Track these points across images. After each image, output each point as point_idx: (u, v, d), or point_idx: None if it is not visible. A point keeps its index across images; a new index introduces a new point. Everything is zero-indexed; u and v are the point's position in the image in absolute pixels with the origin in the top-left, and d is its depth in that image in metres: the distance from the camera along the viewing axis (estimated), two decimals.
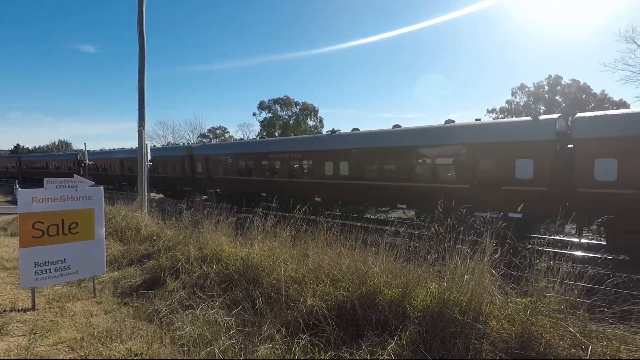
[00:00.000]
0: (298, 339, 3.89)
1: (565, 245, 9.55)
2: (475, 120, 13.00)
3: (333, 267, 5.04)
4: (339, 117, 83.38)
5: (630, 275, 4.16)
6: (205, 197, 21.95)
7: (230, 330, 4.18)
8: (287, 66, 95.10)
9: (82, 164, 29.06)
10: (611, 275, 4.14)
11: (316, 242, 5.97)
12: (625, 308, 3.64)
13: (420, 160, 13.13)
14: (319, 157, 16.14)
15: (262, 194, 18.06)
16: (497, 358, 3.41)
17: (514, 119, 12.49)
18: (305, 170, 17.07)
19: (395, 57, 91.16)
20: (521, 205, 6.61)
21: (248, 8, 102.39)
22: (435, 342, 3.58)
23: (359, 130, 16.13)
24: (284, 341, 3.97)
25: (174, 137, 57.10)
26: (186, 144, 34.69)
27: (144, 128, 13.26)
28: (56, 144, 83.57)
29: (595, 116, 10.28)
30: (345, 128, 15.76)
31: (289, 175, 17.49)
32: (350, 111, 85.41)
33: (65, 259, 5.67)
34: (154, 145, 31.86)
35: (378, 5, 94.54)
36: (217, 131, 62.45)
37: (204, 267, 6.09)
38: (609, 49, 74.53)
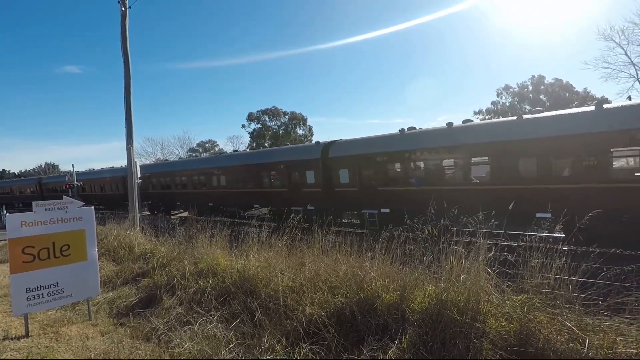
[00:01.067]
0: (299, 349, 3.87)
1: None
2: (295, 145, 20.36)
3: (330, 274, 5.04)
4: (330, 125, 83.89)
5: (622, 267, 4.24)
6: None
7: (230, 344, 4.15)
8: (275, 76, 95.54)
9: (67, 185, 29.04)
10: (604, 269, 4.21)
11: (312, 250, 5.97)
12: (619, 300, 3.71)
13: (261, 173, 18.84)
14: (209, 173, 21.89)
15: (178, 203, 24.83)
16: (497, 356, 3.43)
17: (308, 144, 20.75)
18: (202, 184, 22.67)
19: (381, 62, 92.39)
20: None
21: (236, 18, 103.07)
22: (435, 344, 3.60)
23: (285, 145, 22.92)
24: (285, 351, 3.95)
25: (163, 153, 56.78)
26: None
27: (132, 146, 13.19)
28: (42, 167, 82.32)
29: (339, 141, 16.27)
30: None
31: (192, 187, 23.28)
32: (340, 119, 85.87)
33: (57, 283, 5.57)
34: (145, 163, 32.40)
35: (362, 7, 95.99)
36: (207, 145, 62.25)
37: (200, 281, 6.03)
38: (590, 47, 76.39)
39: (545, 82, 43.26)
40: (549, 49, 61.87)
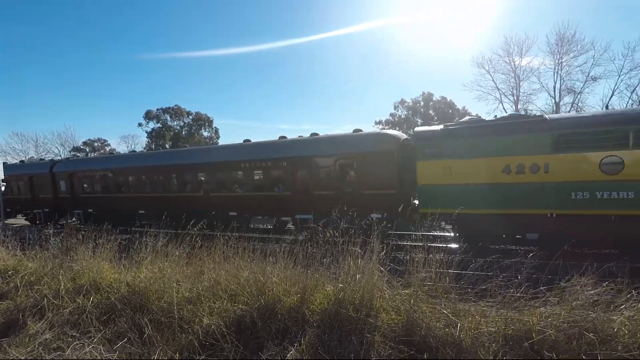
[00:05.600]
0: None
1: None
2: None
3: (231, 282, 4.88)
4: (239, 128, 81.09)
5: (485, 258, 4.97)
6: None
7: None
8: (177, 73, 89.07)
9: None
10: (473, 261, 4.87)
11: (212, 257, 5.71)
12: (484, 287, 4.34)
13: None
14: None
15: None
16: (388, 347, 3.71)
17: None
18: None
19: (289, 69, 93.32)
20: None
21: (129, 8, 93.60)
22: (332, 342, 3.73)
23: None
24: None
25: (37, 151, 48.56)
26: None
27: None
28: None
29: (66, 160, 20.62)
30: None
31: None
32: (249, 122, 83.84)
33: None
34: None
35: (267, 13, 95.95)
36: (95, 144, 55.10)
37: (78, 299, 5.28)
38: (467, 71, 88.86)
39: (434, 99, 48.93)
40: (438, 70, 69.94)
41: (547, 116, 9.77)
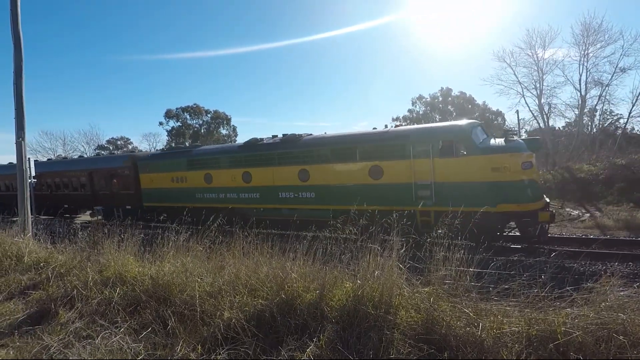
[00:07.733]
0: (216, 355, 3.73)
1: None
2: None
3: (250, 277, 4.95)
4: (253, 126, 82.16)
5: (507, 257, 4.87)
6: None
7: (138, 357, 3.83)
8: (195, 73, 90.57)
9: None
10: (494, 260, 4.79)
11: (232, 252, 5.81)
12: (506, 287, 4.25)
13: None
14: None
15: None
16: (407, 345, 3.69)
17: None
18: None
19: (306, 68, 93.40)
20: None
21: (154, 9, 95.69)
22: (351, 338, 3.74)
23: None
24: (201, 359, 3.77)
25: (65, 149, 50.41)
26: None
27: (24, 140, 11.46)
28: None
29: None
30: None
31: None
32: (263, 119, 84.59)
33: None
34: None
35: (285, 11, 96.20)
36: (119, 142, 56.69)
37: (105, 291, 5.47)
38: (487, 66, 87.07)
39: (452, 94, 48.07)
40: (456, 65, 68.75)
41: (204, 147, 17.47)
